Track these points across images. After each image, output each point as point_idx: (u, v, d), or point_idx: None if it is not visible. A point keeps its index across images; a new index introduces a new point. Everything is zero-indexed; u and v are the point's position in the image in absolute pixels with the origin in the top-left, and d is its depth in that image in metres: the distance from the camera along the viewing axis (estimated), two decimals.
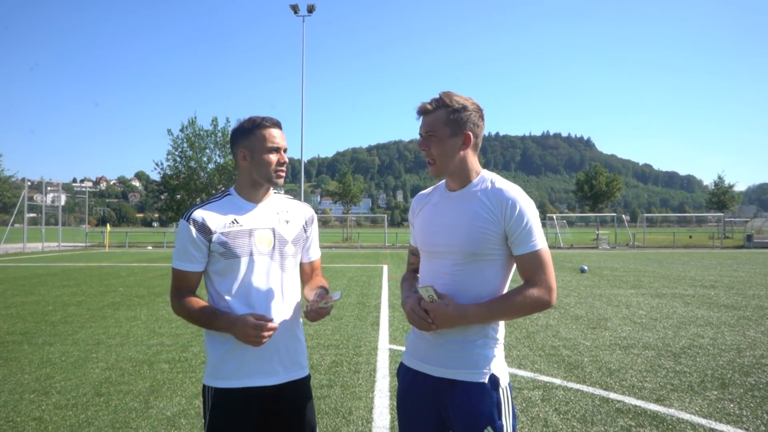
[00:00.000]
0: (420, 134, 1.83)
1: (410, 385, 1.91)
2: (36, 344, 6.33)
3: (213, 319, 1.89)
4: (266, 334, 1.84)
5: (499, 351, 1.83)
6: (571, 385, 4.79)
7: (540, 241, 1.76)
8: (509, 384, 1.84)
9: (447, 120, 1.77)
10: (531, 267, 1.75)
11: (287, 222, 2.05)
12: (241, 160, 1.98)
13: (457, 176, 1.83)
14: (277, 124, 2.00)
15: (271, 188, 2.07)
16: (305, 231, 2.12)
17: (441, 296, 1.75)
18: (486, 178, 1.83)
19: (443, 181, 1.94)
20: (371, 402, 4.37)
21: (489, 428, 1.72)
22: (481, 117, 1.83)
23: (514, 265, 1.83)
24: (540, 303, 1.74)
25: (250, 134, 1.96)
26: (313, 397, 2.11)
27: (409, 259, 2.13)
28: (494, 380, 1.78)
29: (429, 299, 1.74)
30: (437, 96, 1.80)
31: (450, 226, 1.81)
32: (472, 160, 1.84)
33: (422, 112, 1.81)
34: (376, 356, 5.81)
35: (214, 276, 1.97)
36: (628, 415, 4.05)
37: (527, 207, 1.75)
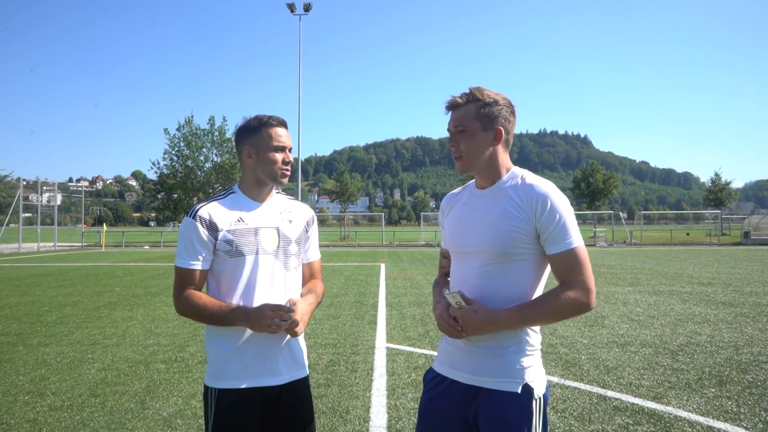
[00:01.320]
0: (449, 130, 1.78)
1: (436, 390, 1.83)
2: (31, 345, 6.29)
3: (228, 312, 1.87)
4: (285, 317, 1.83)
5: (535, 359, 1.74)
6: (568, 383, 4.78)
7: (576, 238, 1.67)
8: (545, 394, 1.74)
9: (477, 114, 1.71)
10: (566, 267, 1.66)
11: (290, 222, 2.05)
12: (246, 157, 1.98)
13: (486, 173, 1.77)
14: (283, 123, 2.00)
15: (274, 188, 2.07)
16: (307, 231, 2.13)
17: (470, 302, 1.69)
18: (517, 174, 1.77)
19: (473, 180, 1.88)
20: (368, 401, 4.35)
21: None
22: (512, 113, 1.77)
23: (548, 266, 1.74)
24: (577, 306, 1.64)
25: (256, 132, 1.96)
26: (312, 396, 2.11)
27: (440, 262, 2.07)
28: (528, 390, 1.69)
29: (457, 305, 1.68)
30: (467, 90, 1.75)
31: (478, 225, 1.74)
32: (503, 156, 1.78)
33: (452, 106, 1.76)
34: (373, 355, 5.79)
35: (218, 274, 1.95)
36: (626, 413, 4.04)
37: (560, 203, 1.66)
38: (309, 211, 2.17)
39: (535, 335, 1.75)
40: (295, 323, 1.87)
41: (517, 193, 1.70)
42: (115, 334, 6.90)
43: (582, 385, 4.71)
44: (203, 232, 1.89)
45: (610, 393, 4.49)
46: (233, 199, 2.00)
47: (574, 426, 3.80)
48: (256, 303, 1.91)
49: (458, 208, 1.87)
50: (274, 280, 1.96)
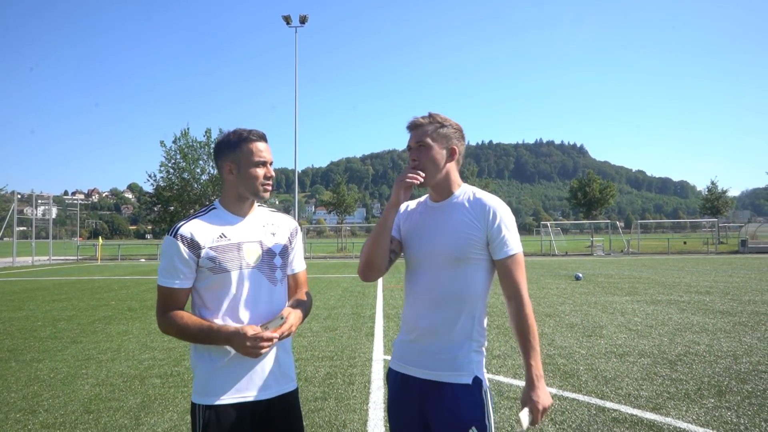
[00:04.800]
0: (410, 146, 1.98)
1: (399, 388, 2.00)
2: (24, 361, 6.23)
3: (210, 333, 1.86)
4: (265, 344, 1.83)
5: (481, 355, 1.95)
6: (566, 394, 4.75)
7: (517, 246, 1.93)
8: (488, 386, 1.94)
9: (436, 133, 1.95)
10: (508, 270, 1.91)
11: (273, 234, 2.05)
12: (227, 173, 1.97)
13: (442, 187, 1.99)
14: (263, 138, 2.00)
15: (256, 201, 2.07)
16: (291, 243, 2.12)
17: (531, 410, 1.83)
18: (467, 189, 2.01)
19: (426, 195, 2.10)
20: (366, 414, 4.31)
21: (474, 428, 1.82)
22: (463, 137, 2.03)
23: (494, 269, 1.97)
24: (531, 317, 1.89)
25: (236, 148, 1.95)
26: (301, 410, 2.11)
27: None
28: (478, 382, 1.89)
29: (527, 421, 1.80)
30: (426, 114, 2.00)
31: (436, 233, 1.94)
32: (455, 173, 2.01)
33: (414, 126, 1.98)
34: (370, 367, 5.75)
35: (203, 291, 1.94)
36: (625, 424, 4.00)
37: (507, 215, 1.93)
38: (292, 222, 2.17)
39: (484, 333, 1.97)
40: (269, 347, 1.88)
41: (471, 205, 1.95)
42: (110, 348, 6.84)
43: (580, 396, 4.67)
44: (184, 251, 1.88)
45: (608, 404, 4.46)
46: (215, 215, 1.99)
47: None
48: (241, 317, 1.91)
49: (415, 217, 2.05)
50: (259, 294, 1.96)
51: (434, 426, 1.88)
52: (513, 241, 1.91)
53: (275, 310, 1.98)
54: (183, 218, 1.98)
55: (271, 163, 2.01)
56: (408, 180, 1.87)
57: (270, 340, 1.85)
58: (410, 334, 1.98)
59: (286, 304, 2.05)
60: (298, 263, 2.17)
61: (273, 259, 2.01)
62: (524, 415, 1.80)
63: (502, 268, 1.91)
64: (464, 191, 2.00)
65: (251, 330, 1.83)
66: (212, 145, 36.85)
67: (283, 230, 2.10)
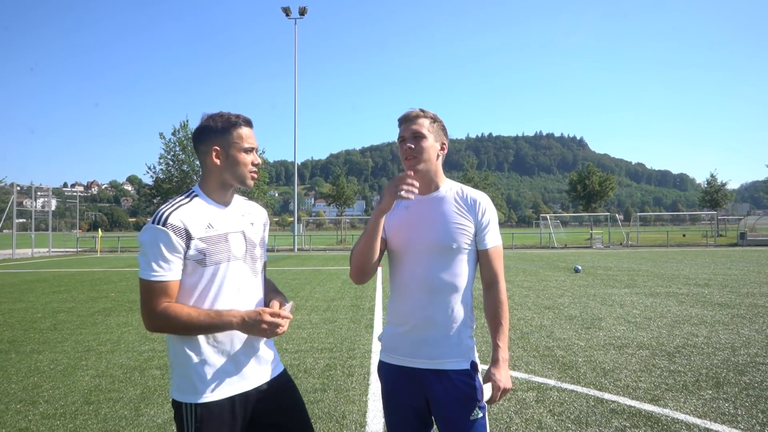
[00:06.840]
0: (403, 137, 2.02)
1: (396, 380, 2.03)
2: (24, 352, 6.25)
3: (222, 318, 1.75)
4: (283, 323, 1.77)
5: (473, 340, 2.06)
6: (565, 385, 4.77)
7: (499, 238, 2.10)
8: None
9: (431, 126, 2.02)
10: (491, 259, 2.05)
11: (252, 224, 1.98)
12: (213, 159, 1.86)
13: (431, 180, 2.05)
14: (250, 123, 1.92)
15: (241, 189, 1.98)
16: (264, 233, 2.06)
17: (490, 379, 2.00)
18: (452, 184, 2.11)
19: None
20: (365, 405, 4.33)
21: (477, 408, 1.95)
22: (447, 134, 2.11)
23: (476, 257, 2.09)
24: (506, 300, 2.06)
25: (225, 133, 1.85)
26: (296, 385, 2.05)
27: None
28: (474, 366, 2.00)
29: (487, 395, 1.98)
30: (417, 108, 2.07)
31: (429, 225, 2.00)
32: (441, 168, 2.09)
33: (410, 117, 2.03)
34: (370, 359, 5.76)
35: (187, 285, 1.80)
36: (623, 415, 4.02)
37: (493, 209, 2.09)
38: (263, 211, 2.10)
39: (473, 321, 2.08)
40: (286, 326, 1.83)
41: (460, 198, 2.05)
42: (110, 340, 6.85)
43: (579, 388, 4.69)
44: (176, 240, 1.74)
45: (607, 395, 4.48)
46: (198, 202, 1.86)
47: (571, 429, 3.78)
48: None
49: (401, 211, 2.07)
50: (245, 286, 1.88)
51: (439, 411, 1.95)
52: (496, 234, 2.07)
53: (259, 300, 1.93)
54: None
55: (256, 150, 1.94)
56: (403, 195, 1.80)
57: (287, 318, 1.79)
58: (404, 325, 2.01)
59: (278, 297, 1.99)
60: (264, 253, 2.09)
61: (254, 249, 1.94)
62: (487, 389, 1.97)
63: (486, 257, 2.04)
64: (450, 186, 2.09)
65: (269, 309, 1.77)
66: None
67: (259, 220, 2.03)
